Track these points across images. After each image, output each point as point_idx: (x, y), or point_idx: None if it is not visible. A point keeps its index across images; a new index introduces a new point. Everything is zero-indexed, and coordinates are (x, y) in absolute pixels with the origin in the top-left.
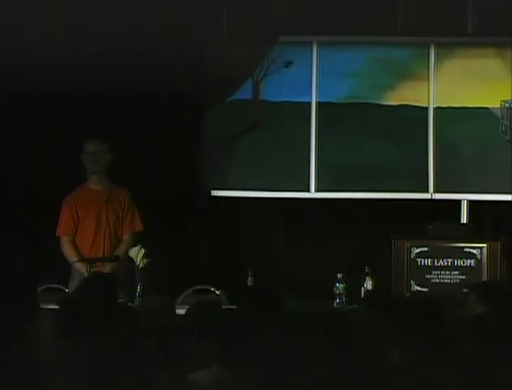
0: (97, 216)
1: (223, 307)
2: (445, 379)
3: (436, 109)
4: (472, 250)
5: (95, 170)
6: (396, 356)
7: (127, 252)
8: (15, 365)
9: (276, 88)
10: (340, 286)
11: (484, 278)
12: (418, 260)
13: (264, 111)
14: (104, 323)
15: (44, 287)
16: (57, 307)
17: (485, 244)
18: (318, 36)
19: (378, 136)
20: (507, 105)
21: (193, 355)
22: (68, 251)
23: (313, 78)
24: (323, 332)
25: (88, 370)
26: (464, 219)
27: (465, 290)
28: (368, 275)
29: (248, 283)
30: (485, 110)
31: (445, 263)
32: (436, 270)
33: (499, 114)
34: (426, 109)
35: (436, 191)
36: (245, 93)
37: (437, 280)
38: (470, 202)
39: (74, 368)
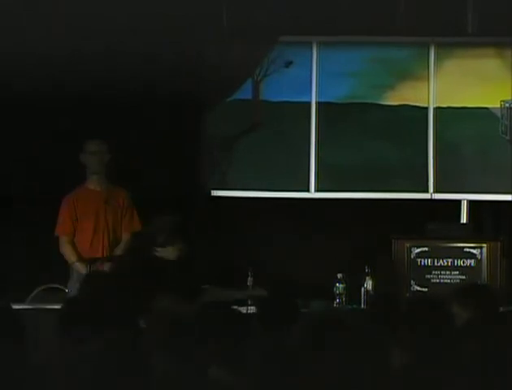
0: (96, 216)
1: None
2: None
3: (436, 109)
4: (472, 250)
5: (95, 170)
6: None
7: (126, 252)
8: (15, 365)
9: (276, 88)
10: (340, 286)
11: (484, 278)
12: (418, 260)
13: (264, 111)
14: (104, 323)
15: (44, 287)
16: (57, 307)
17: (485, 244)
18: (318, 36)
19: (378, 136)
20: (507, 105)
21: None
22: (67, 251)
23: (313, 78)
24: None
25: (90, 371)
26: (464, 219)
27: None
28: (368, 275)
29: (248, 283)
30: (485, 110)
31: (445, 263)
32: (436, 270)
33: (499, 114)
34: (426, 109)
35: (436, 191)
36: (245, 93)
37: (437, 280)
38: (470, 202)
39: (75, 368)
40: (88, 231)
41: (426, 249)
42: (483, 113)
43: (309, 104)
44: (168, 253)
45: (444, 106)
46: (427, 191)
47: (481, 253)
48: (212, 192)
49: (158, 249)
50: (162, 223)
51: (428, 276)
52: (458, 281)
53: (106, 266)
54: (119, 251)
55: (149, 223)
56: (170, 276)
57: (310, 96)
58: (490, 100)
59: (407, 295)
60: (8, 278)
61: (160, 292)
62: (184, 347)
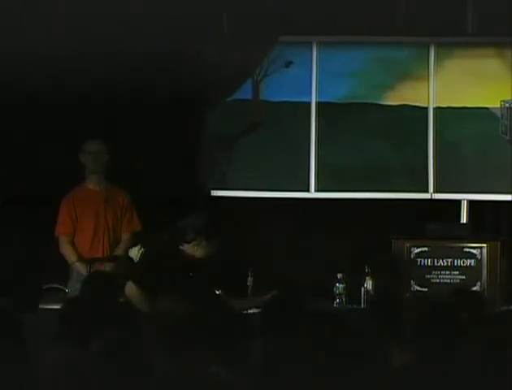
0: (96, 216)
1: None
2: None
3: (436, 109)
4: (472, 250)
5: (95, 170)
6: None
7: (126, 252)
8: (15, 365)
9: (276, 88)
10: (340, 286)
11: (484, 278)
12: (418, 260)
13: (264, 111)
14: (104, 323)
15: (44, 287)
16: (57, 307)
17: (485, 244)
18: (318, 36)
19: (378, 136)
20: (507, 105)
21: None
22: (68, 251)
23: (313, 78)
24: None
25: (91, 371)
26: (464, 219)
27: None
28: (368, 275)
29: (248, 283)
30: (485, 110)
31: (445, 263)
32: (436, 270)
33: (499, 114)
34: (426, 109)
35: (436, 191)
36: (245, 93)
37: (437, 280)
38: (470, 202)
39: (75, 368)
40: (88, 231)
41: (426, 249)
42: (483, 113)
43: (309, 104)
44: (195, 250)
45: (444, 106)
46: (427, 191)
47: (481, 253)
48: (212, 192)
49: (186, 246)
50: (192, 221)
51: (428, 276)
52: (458, 281)
53: (107, 266)
54: (119, 251)
55: (171, 221)
56: (193, 273)
57: (310, 96)
58: (490, 100)
59: (407, 295)
60: (8, 278)
61: (178, 290)
62: (186, 346)
